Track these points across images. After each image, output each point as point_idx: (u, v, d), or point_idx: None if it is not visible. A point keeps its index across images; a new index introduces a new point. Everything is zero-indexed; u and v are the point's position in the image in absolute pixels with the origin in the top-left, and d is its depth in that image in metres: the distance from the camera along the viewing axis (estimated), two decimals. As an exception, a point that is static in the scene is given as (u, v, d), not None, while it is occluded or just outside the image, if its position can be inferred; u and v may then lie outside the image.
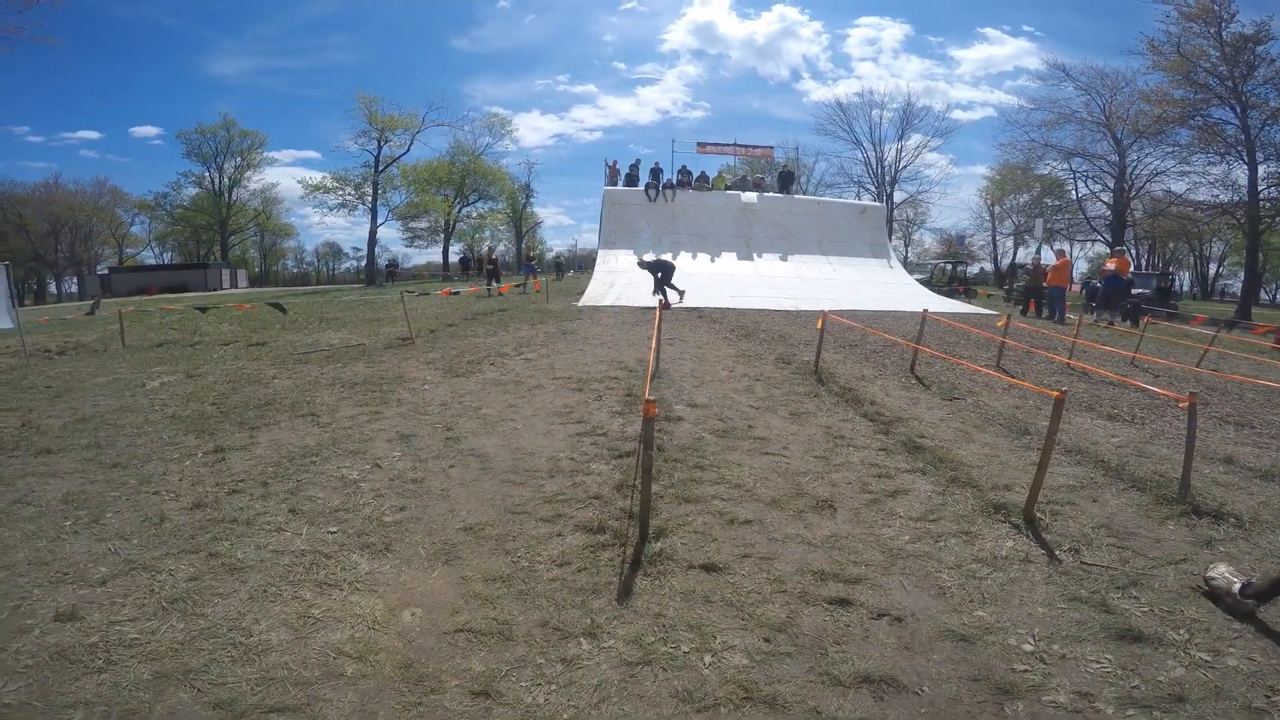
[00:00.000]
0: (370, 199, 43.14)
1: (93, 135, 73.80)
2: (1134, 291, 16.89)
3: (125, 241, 55.68)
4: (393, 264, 47.01)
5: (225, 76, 77.18)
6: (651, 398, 3.01)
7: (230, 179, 50.12)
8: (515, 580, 2.76)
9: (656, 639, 2.36)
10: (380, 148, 42.52)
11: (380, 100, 41.78)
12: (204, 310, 11.96)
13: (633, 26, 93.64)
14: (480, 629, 2.41)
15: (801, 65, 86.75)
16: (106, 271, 45.92)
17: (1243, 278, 30.85)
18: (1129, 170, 31.90)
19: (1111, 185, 33.24)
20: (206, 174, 49.52)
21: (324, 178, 43.35)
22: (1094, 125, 32.10)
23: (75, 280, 48.77)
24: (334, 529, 3.24)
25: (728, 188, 23.58)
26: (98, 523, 3.32)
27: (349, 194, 43.00)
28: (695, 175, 22.88)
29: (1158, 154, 29.61)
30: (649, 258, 15.12)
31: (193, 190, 50.20)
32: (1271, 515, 3.59)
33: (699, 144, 27.70)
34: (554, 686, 2.12)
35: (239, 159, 49.78)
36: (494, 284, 21.67)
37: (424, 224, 48.52)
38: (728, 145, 28.54)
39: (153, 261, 54.46)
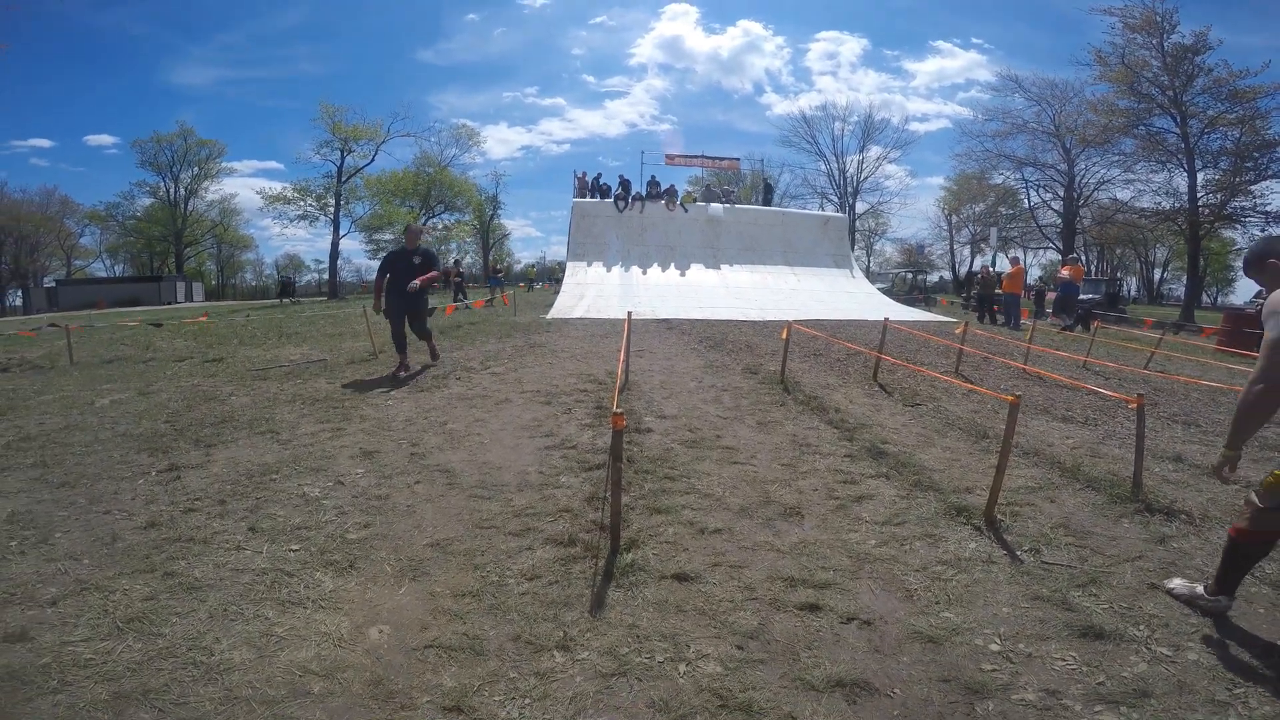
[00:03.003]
0: (332, 210, 42.37)
1: (45, 144, 71.80)
2: (1083, 297, 17.49)
3: (74, 253, 53.90)
4: (287, 280, 42.12)
5: (188, 85, 76.03)
6: (620, 410, 3.01)
7: (187, 189, 48.90)
8: (485, 595, 2.71)
9: (631, 650, 2.35)
10: (343, 158, 41.89)
11: (344, 110, 41.24)
12: (159, 325, 11.56)
13: (602, 40, 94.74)
14: (450, 644, 2.37)
15: (764, 79, 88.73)
16: (54, 284, 44.18)
17: (1185, 282, 32.17)
18: (1077, 179, 33.18)
19: (1061, 194, 34.51)
20: (162, 184, 48.25)
21: (284, 188, 42.41)
22: (1044, 135, 33.39)
23: (20, 293, 46.78)
24: (296, 547, 3.14)
25: (696, 200, 23.76)
26: (46, 543, 3.17)
27: (310, 205, 42.13)
28: (664, 187, 23.04)
29: (1104, 163, 30.88)
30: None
31: (147, 201, 48.90)
32: (1220, 511, 3.74)
33: (667, 155, 28.11)
34: (528, 700, 2.09)
35: (196, 169, 48.66)
36: (462, 296, 21.47)
37: (388, 236, 47.84)
38: (695, 156, 29.00)
39: (103, 274, 52.69)
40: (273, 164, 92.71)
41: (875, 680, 2.19)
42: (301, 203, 41.94)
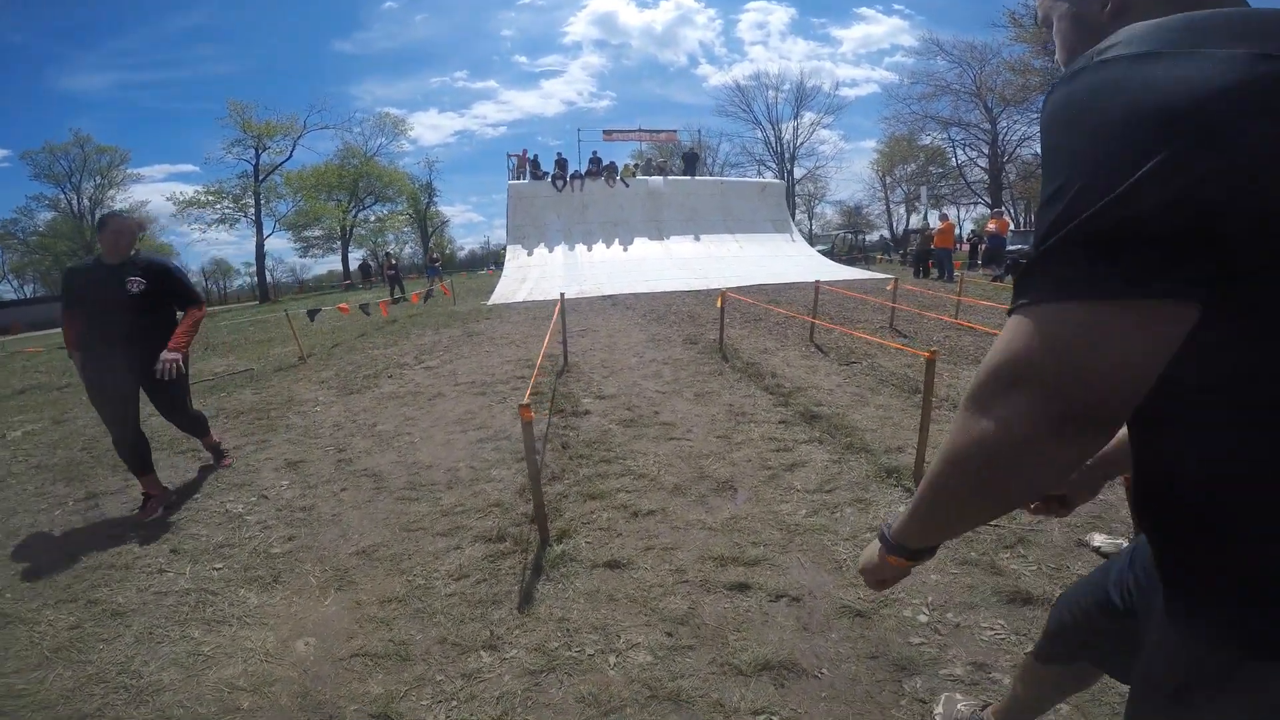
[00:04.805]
0: (253, 211, 40.30)
1: (-84, 160, 65.56)
2: (1011, 248, 18.10)
3: (-28, 278, 49.87)
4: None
5: (84, 91, 70.67)
6: (527, 403, 2.90)
7: (90, 200, 45.34)
8: (411, 600, 2.65)
9: (560, 644, 2.30)
10: (258, 156, 39.74)
11: (254, 107, 38.92)
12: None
13: (532, 20, 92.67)
14: (376, 652, 2.33)
15: (698, 51, 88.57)
16: (-46, 310, 40.90)
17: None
18: (1001, 136, 34.19)
19: (986, 151, 35.54)
20: (61, 196, 44.68)
21: (197, 192, 39.93)
22: (967, 96, 34.26)
23: (-85, 323, 43.19)
24: (219, 565, 3.08)
25: (634, 174, 23.51)
26: (-36, 579, 3.03)
27: (228, 207, 39.87)
28: (605, 163, 22.73)
29: (1025, 120, 31.94)
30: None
31: (47, 214, 45.25)
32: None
33: (605, 131, 27.84)
34: (455, 702, 2.06)
35: (99, 178, 45.07)
36: (398, 289, 20.82)
37: (318, 232, 45.92)
38: (633, 131, 28.69)
39: (12, 296, 49.06)
40: (187, 167, 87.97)
41: (803, 660, 2.15)
42: (217, 205, 39.62)
